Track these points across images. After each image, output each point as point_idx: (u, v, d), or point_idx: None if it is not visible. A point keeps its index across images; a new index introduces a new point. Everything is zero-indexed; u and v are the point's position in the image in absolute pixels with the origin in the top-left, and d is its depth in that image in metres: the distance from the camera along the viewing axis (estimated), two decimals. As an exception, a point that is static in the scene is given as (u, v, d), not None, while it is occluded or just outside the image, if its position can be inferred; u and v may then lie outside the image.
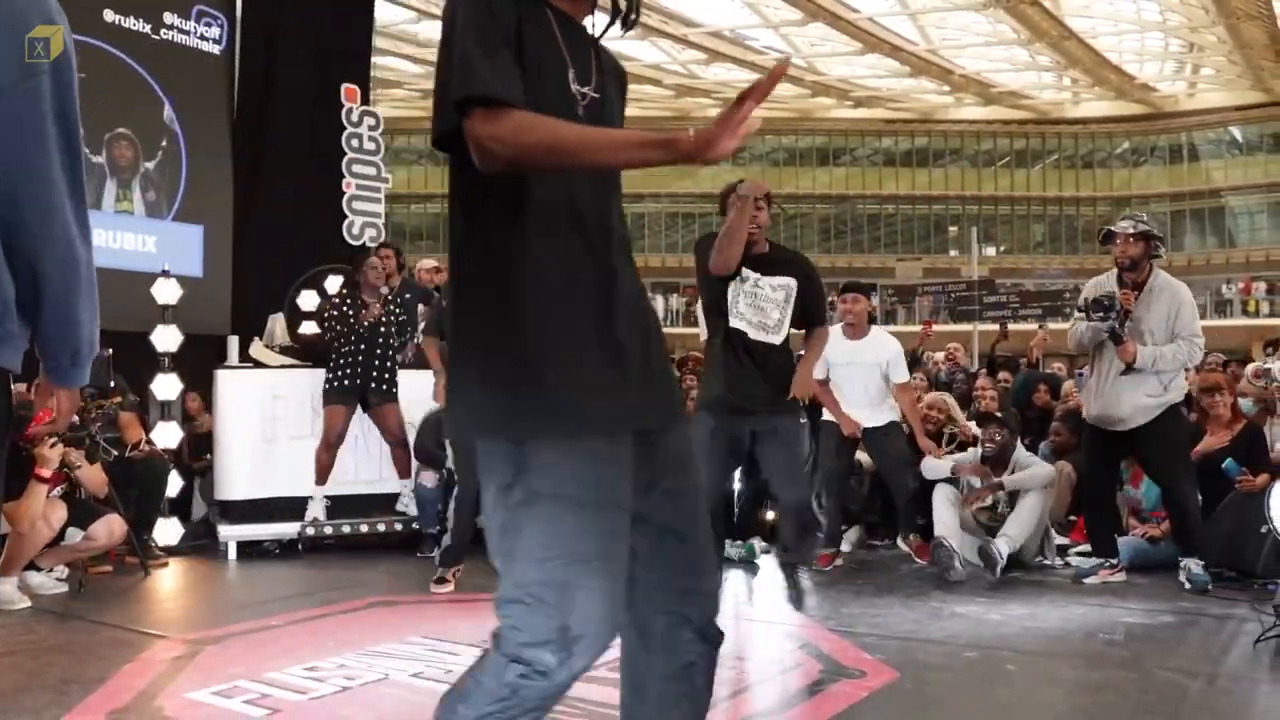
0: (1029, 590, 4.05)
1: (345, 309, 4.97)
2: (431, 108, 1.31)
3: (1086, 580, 4.16)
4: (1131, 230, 4.12)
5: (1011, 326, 10.41)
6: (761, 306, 3.58)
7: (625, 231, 1.42)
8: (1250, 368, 7.08)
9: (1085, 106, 31.47)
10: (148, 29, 6.58)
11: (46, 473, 3.75)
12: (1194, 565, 4.00)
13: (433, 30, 23.87)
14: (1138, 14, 24.13)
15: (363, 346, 4.93)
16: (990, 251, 32.04)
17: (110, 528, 4.08)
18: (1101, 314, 4.06)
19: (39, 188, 1.34)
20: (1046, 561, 4.55)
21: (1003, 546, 4.19)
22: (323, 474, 4.97)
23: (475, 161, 1.24)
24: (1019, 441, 4.75)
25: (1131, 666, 2.96)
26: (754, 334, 3.57)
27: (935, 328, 12.01)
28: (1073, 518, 5.10)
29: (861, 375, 4.74)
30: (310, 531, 4.96)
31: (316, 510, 5.00)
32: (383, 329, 4.99)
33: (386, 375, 5.00)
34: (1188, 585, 3.97)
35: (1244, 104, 28.78)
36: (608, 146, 1.26)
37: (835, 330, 4.61)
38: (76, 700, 2.62)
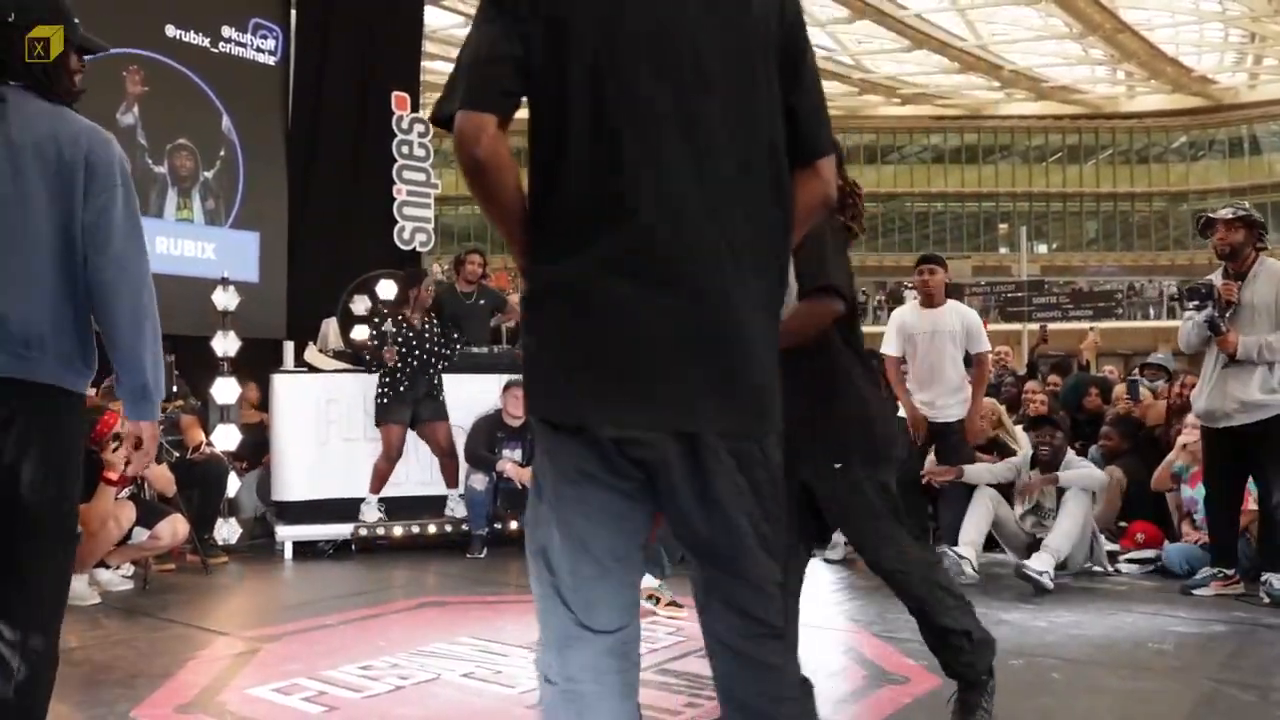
0: (1076, 597, 3.98)
1: (394, 336, 5.06)
2: None
3: (1197, 591, 3.96)
4: (1231, 215, 3.94)
5: (1063, 326, 10.20)
6: None
7: None
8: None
9: (1140, 100, 30.62)
10: (206, 42, 6.80)
11: (114, 475, 3.90)
12: (1276, 580, 3.79)
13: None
14: (1195, 5, 23.41)
15: (413, 362, 5.05)
16: (1042, 249, 31.38)
17: (174, 527, 4.23)
18: (1197, 302, 3.90)
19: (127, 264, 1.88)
20: (1096, 568, 4.46)
21: (1038, 565, 4.01)
22: (380, 483, 5.10)
23: None
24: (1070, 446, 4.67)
25: (1181, 677, 2.90)
26: None
27: (989, 327, 11.82)
28: (1123, 524, 5.01)
29: (944, 344, 4.66)
30: (363, 533, 5.10)
31: (370, 515, 5.13)
32: (428, 343, 5.11)
33: (435, 386, 5.13)
34: (1266, 600, 3.77)
35: (1309, 95, 27.80)
36: None
37: (912, 302, 4.56)
38: (145, 694, 2.73)
